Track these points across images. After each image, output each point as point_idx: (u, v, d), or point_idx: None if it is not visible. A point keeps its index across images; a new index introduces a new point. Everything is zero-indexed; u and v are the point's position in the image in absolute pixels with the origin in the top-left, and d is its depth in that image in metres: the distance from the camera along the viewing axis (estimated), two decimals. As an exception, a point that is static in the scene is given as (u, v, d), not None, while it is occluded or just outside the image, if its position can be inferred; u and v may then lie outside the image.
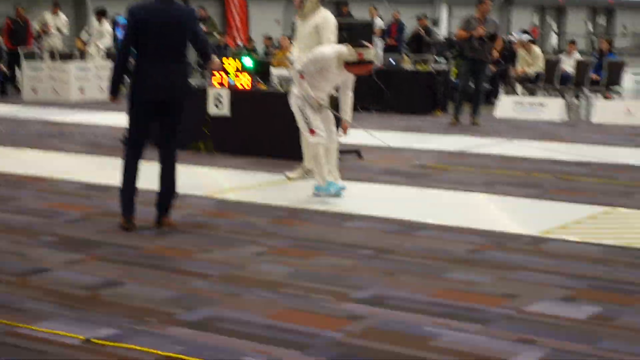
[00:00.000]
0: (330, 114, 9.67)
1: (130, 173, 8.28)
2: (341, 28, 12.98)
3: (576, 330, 5.58)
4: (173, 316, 5.74)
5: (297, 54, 10.59)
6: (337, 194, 9.50)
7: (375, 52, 9.30)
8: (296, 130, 12.19)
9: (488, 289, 6.47)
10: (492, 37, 16.29)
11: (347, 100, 9.63)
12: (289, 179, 10.45)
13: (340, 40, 12.49)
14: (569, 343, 5.35)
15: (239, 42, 28.78)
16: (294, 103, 9.61)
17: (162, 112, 8.31)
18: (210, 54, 8.88)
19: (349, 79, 9.53)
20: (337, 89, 9.72)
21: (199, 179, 10.85)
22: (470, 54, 16.33)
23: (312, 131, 9.51)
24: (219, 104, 12.71)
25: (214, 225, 8.43)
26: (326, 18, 10.45)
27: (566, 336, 5.47)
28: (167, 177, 8.41)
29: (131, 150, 8.32)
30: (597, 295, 6.34)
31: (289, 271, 6.87)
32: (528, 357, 5.11)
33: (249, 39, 28.68)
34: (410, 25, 26.28)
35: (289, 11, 32.56)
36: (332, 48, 9.44)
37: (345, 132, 9.76)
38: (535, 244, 7.81)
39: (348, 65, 9.23)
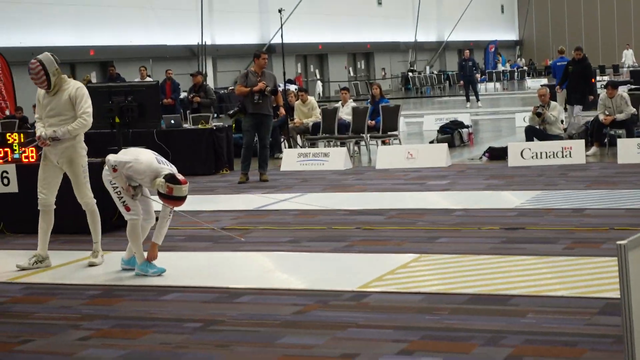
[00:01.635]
0: (148, 196, 9.50)
1: None
2: (128, 91, 12.89)
3: (423, 385, 5.67)
4: (14, 418, 5.47)
5: (48, 129, 9.92)
6: (154, 274, 9.29)
7: (187, 188, 9.17)
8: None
9: (326, 350, 6.50)
10: (274, 92, 16.45)
11: (163, 229, 9.33)
12: (94, 265, 10.03)
13: (120, 107, 12.37)
14: (420, 399, 5.42)
15: (7, 112, 27.95)
16: (106, 179, 9.40)
17: None
18: None
19: (167, 210, 9.32)
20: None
21: (-3, 263, 10.43)
22: (252, 109, 16.40)
23: (127, 208, 9.32)
24: (5, 181, 12.27)
25: (26, 312, 8.11)
26: (79, 88, 9.97)
27: (416, 392, 5.54)
28: None
29: None
30: (433, 345, 6.47)
31: (121, 354, 6.68)
32: (386, 419, 5.14)
33: (17, 108, 27.93)
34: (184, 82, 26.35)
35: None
36: (149, 168, 9.07)
37: (151, 259, 9.35)
38: (357, 300, 7.89)
39: (160, 195, 9.05)
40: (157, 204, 9.53)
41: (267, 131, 16.63)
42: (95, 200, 10.13)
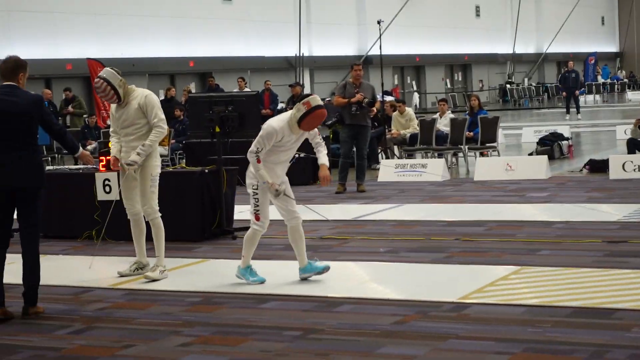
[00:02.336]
0: (290, 191, 9.38)
1: None
2: (229, 101, 12.96)
3: (526, 398, 5.58)
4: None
5: (122, 146, 9.95)
6: (254, 282, 9.28)
7: (318, 97, 9.16)
8: (190, 209, 12.13)
9: (427, 362, 6.44)
10: (371, 104, 16.47)
11: (322, 149, 9.37)
12: (150, 279, 9.80)
13: (221, 116, 12.47)
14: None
15: (108, 122, 28.42)
16: (249, 184, 9.24)
17: (13, 202, 8.33)
18: (74, 146, 8.79)
19: (314, 135, 9.29)
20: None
21: (99, 269, 10.53)
22: (350, 120, 16.44)
23: (257, 216, 9.21)
24: (107, 189, 12.47)
25: (128, 318, 8.21)
26: (147, 96, 9.92)
27: (518, 405, 5.46)
28: (27, 267, 8.38)
29: None
30: (535, 358, 6.40)
31: (221, 361, 6.72)
32: None
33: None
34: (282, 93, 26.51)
35: (155, 85, 32.43)
36: (280, 120, 9.05)
37: (325, 182, 9.44)
38: (457, 311, 7.82)
39: (302, 122, 8.94)
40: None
41: (365, 142, 16.63)
42: (159, 214, 9.98)
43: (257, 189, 9.18)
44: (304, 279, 9.35)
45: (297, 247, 9.43)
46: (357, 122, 16.40)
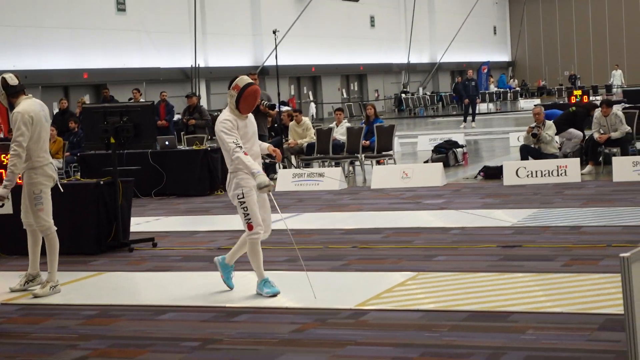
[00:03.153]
0: (267, 201, 9.21)
1: None
2: (124, 112, 12.78)
3: (424, 402, 5.62)
4: None
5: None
6: (267, 295, 8.98)
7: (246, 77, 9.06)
8: (85, 222, 11.95)
9: (325, 369, 6.45)
10: (272, 106, 16.51)
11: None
12: (37, 296, 9.54)
13: (115, 127, 12.31)
14: (421, 416, 5.37)
15: (1, 135, 27.90)
16: (234, 195, 8.96)
17: None
18: None
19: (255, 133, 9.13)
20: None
21: (-8, 284, 10.34)
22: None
23: (250, 226, 8.96)
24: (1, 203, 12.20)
25: (23, 333, 8.06)
26: (15, 113, 9.48)
27: (417, 409, 5.49)
28: None
29: None
30: (432, 363, 6.43)
31: (118, 374, 6.63)
32: None
33: (10, 130, 27.90)
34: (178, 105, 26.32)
35: (49, 97, 31.97)
36: (224, 113, 8.83)
37: (279, 156, 9.41)
38: (355, 318, 7.86)
39: (239, 105, 8.77)
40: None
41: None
42: (54, 229, 9.73)
43: (242, 197, 8.90)
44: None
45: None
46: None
